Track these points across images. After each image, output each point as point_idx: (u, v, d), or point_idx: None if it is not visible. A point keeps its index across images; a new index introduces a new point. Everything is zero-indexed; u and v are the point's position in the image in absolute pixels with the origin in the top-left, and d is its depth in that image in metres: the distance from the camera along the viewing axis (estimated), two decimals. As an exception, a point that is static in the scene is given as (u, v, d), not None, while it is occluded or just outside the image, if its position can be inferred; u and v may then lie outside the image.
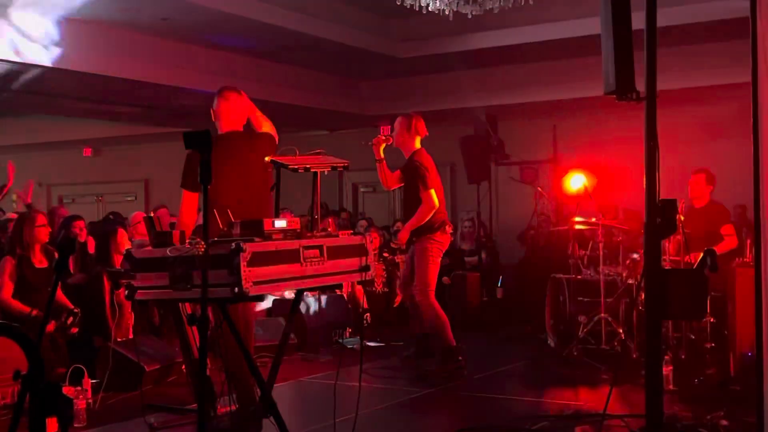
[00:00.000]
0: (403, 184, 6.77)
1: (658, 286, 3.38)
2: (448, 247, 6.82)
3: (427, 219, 6.51)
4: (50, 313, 6.19)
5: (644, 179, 3.67)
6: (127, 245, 6.97)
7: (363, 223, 10.93)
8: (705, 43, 9.44)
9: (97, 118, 13.00)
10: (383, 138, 6.69)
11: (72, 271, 7.08)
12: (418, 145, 6.76)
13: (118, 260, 6.82)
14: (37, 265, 6.41)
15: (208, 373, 4.25)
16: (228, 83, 9.65)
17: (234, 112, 5.02)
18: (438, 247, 6.61)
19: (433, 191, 6.53)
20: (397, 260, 9.86)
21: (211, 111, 5.06)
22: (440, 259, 6.69)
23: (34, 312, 6.14)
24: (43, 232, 6.46)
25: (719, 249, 6.94)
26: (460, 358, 6.58)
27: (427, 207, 6.50)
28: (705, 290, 3.55)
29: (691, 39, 9.17)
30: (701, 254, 4.67)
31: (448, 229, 6.67)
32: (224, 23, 8.44)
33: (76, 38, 8.36)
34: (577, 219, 7.51)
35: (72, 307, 6.41)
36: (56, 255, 6.44)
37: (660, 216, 3.39)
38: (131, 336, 6.70)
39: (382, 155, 6.69)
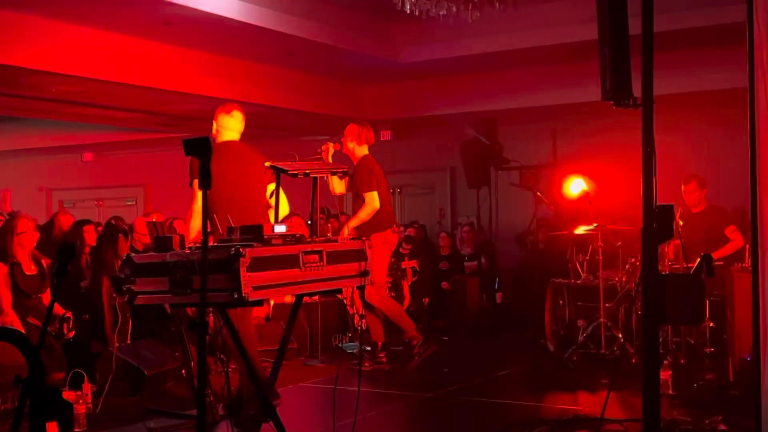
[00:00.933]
0: (352, 190, 7.12)
1: (655, 292, 3.39)
2: (395, 246, 7.26)
3: (367, 218, 6.87)
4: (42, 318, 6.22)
5: (641, 185, 3.69)
6: (126, 251, 6.96)
7: (343, 218, 10.66)
8: (703, 49, 9.46)
9: (97, 123, 13.01)
10: (331, 144, 6.76)
11: (86, 275, 7.10)
12: (365, 151, 7.13)
13: (118, 265, 6.82)
14: (27, 272, 6.29)
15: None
16: (229, 89, 9.76)
17: (234, 127, 5.54)
18: (386, 245, 6.97)
19: (375, 193, 6.90)
20: (403, 266, 9.87)
21: (214, 122, 5.49)
22: (388, 256, 7.09)
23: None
24: (26, 239, 6.24)
25: (727, 250, 6.97)
26: (419, 337, 7.00)
27: (368, 207, 6.87)
28: (702, 295, 3.56)
29: (689, 44, 9.19)
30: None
31: (396, 228, 7.14)
32: (225, 29, 8.45)
33: (77, 43, 8.39)
34: (580, 230, 7.50)
35: (63, 311, 6.35)
36: (43, 261, 6.43)
37: (657, 221, 3.40)
38: (129, 341, 6.69)
39: (330, 161, 6.77)
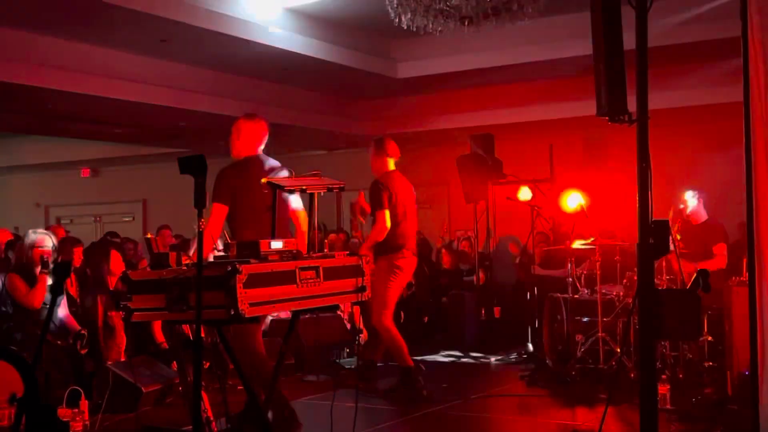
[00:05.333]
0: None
1: (651, 307, 3.39)
2: (411, 270, 6.72)
3: (378, 238, 6.51)
4: (57, 335, 6.26)
5: (637, 199, 3.69)
6: (121, 267, 6.95)
7: (342, 235, 10.71)
8: (698, 63, 9.49)
9: (95, 139, 13.04)
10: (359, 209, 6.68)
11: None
12: (390, 167, 6.80)
13: (112, 282, 6.81)
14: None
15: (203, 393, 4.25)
16: (225, 104, 9.76)
17: (260, 137, 5.16)
18: (395, 269, 6.57)
19: (386, 212, 6.49)
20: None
21: (236, 133, 5.16)
22: (399, 281, 6.62)
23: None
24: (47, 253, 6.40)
25: (708, 265, 6.94)
26: (419, 378, 6.58)
27: (378, 227, 6.51)
28: (698, 310, 3.55)
29: (685, 59, 9.23)
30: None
31: (407, 252, 6.60)
32: (222, 45, 8.49)
33: (74, 59, 8.41)
34: (577, 244, 7.50)
35: (79, 328, 6.45)
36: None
37: (653, 236, 3.40)
38: (123, 358, 6.68)
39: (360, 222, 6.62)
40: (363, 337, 8.75)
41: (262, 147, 5.21)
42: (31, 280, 6.33)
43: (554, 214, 9.74)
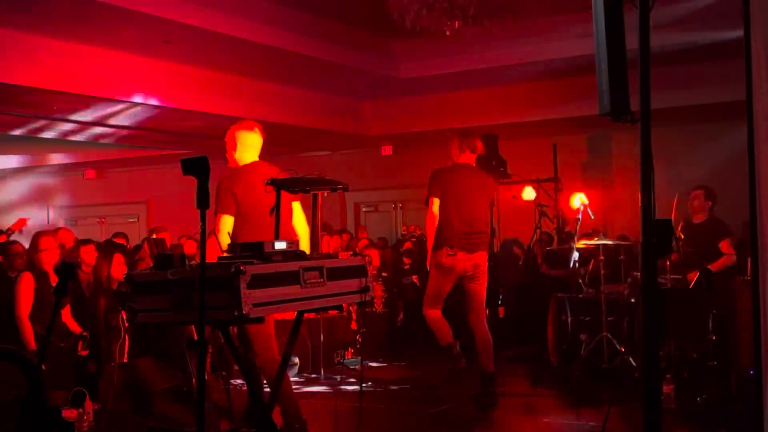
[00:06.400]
0: None
1: (654, 306, 3.39)
2: (460, 268, 6.37)
3: (428, 228, 6.45)
4: (59, 337, 6.29)
5: (640, 199, 3.69)
6: (123, 270, 6.96)
7: (345, 236, 10.61)
8: (701, 63, 9.48)
9: (100, 140, 13.05)
10: None
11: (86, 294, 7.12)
12: (462, 159, 6.70)
13: (114, 284, 6.83)
14: (53, 284, 6.45)
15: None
16: (229, 105, 9.76)
17: (257, 144, 5.19)
18: (436, 266, 6.40)
19: (434, 200, 6.38)
20: (404, 281, 9.85)
21: (231, 142, 5.16)
22: (441, 278, 6.42)
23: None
24: (47, 256, 6.46)
25: (717, 265, 6.94)
26: (456, 353, 6.47)
27: (427, 217, 6.46)
28: (702, 310, 3.54)
29: (687, 59, 9.21)
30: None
31: (450, 251, 6.30)
32: (226, 45, 8.49)
33: (78, 61, 8.42)
34: (581, 244, 7.50)
35: (80, 330, 6.49)
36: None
37: (656, 235, 3.40)
38: (126, 359, 6.69)
39: None
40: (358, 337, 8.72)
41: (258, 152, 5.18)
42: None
43: (558, 213, 9.75)
